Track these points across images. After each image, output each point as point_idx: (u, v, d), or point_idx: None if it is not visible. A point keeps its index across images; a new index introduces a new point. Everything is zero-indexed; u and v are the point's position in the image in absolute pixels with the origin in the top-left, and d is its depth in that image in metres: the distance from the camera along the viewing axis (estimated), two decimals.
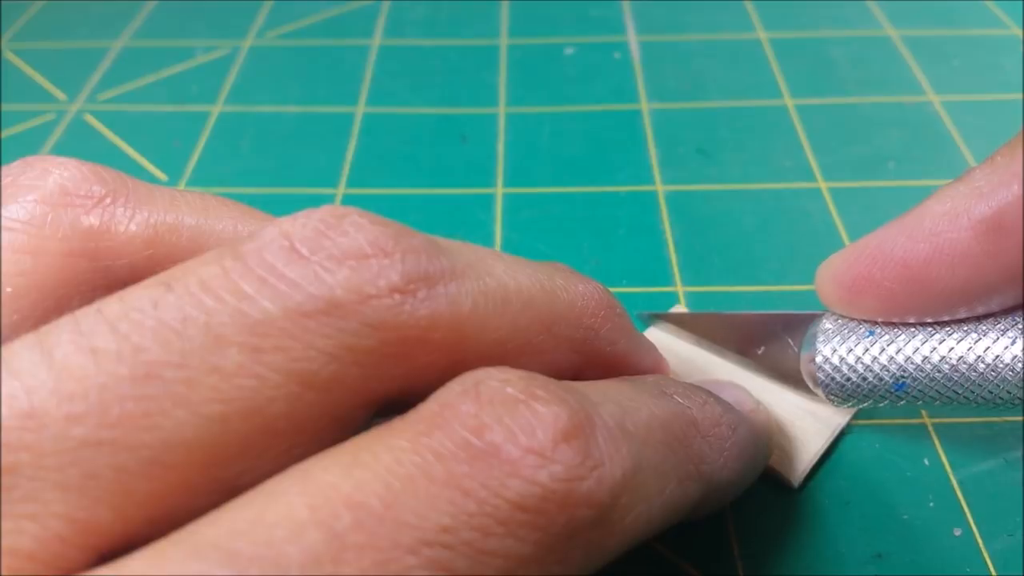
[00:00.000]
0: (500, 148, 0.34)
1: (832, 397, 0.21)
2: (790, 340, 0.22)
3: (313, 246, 0.14)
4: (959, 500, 0.21)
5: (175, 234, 0.18)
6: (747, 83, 0.37)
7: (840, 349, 0.20)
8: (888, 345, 0.20)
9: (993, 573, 0.20)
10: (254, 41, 0.41)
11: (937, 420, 0.23)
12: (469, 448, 0.13)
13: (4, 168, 0.17)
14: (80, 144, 0.35)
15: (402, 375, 0.15)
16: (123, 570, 0.11)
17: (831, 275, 0.20)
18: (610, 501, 0.14)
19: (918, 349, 0.19)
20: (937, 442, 0.23)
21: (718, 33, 0.41)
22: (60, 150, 0.34)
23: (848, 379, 0.20)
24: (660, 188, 0.32)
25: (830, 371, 0.20)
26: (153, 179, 0.32)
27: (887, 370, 0.20)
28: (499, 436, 0.13)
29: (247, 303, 0.13)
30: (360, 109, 0.36)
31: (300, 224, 0.14)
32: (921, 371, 0.19)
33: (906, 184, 0.31)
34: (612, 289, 0.22)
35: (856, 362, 0.20)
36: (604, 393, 0.16)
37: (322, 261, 0.14)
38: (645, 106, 0.36)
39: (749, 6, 0.42)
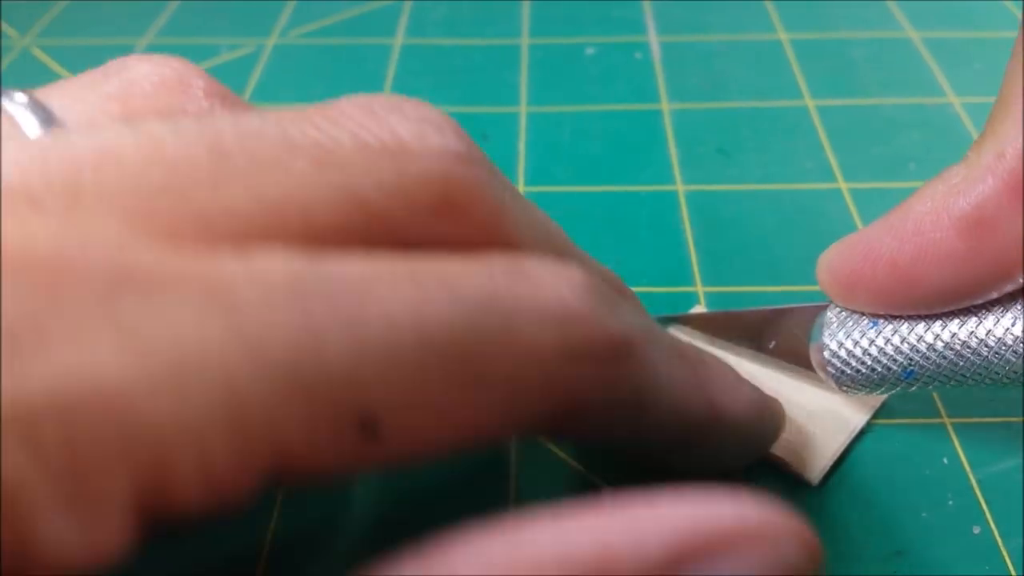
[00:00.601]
0: (521, 147, 0.34)
1: (844, 386, 0.21)
2: (798, 332, 0.22)
3: (389, 110, 0.15)
4: (978, 499, 0.22)
5: None
6: (768, 83, 0.37)
7: (846, 341, 0.21)
8: (892, 335, 0.20)
9: (1012, 571, 0.20)
10: (278, 39, 0.41)
11: (956, 420, 0.23)
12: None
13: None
14: None
15: (435, 238, 0.16)
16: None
17: (827, 269, 0.21)
18: (623, 342, 0.15)
19: (921, 337, 0.20)
20: (956, 441, 0.23)
21: (739, 34, 0.41)
22: None
23: (857, 370, 0.21)
24: (681, 188, 0.32)
25: (838, 363, 0.21)
26: None
27: (894, 360, 0.20)
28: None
29: (320, 132, 0.15)
30: None
31: (378, 96, 0.16)
32: (927, 358, 0.20)
33: None
34: (633, 289, 0.22)
35: (863, 353, 0.20)
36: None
37: (396, 117, 0.15)
38: (666, 106, 0.36)
39: (770, 7, 0.42)
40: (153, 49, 0.41)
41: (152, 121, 0.14)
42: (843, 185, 0.32)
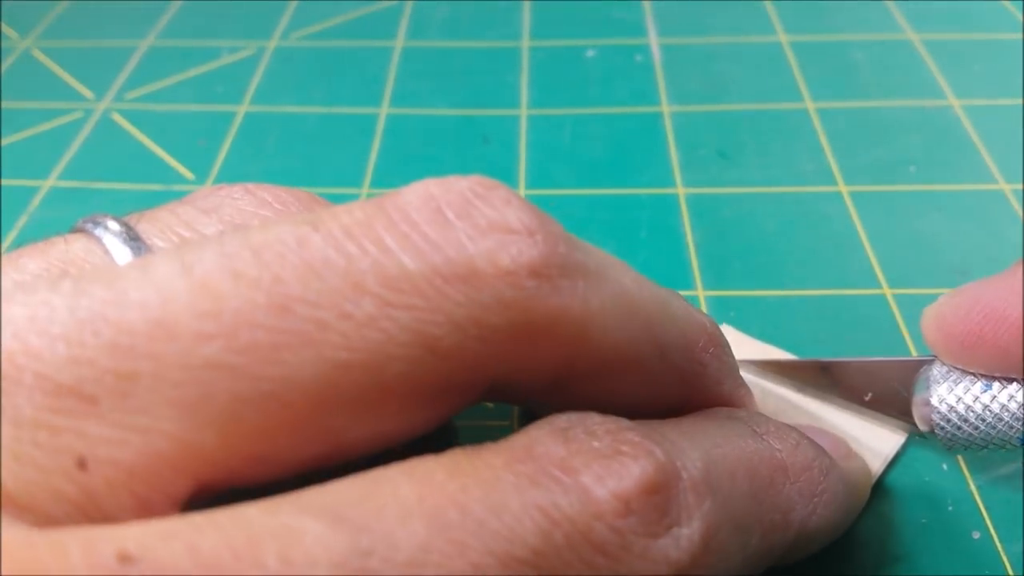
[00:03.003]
0: (522, 150, 0.34)
1: (948, 443, 0.20)
2: (899, 386, 0.21)
3: (460, 212, 0.14)
4: (977, 504, 0.22)
5: None
6: (768, 86, 0.37)
7: (957, 404, 0.20)
8: (1008, 400, 0.19)
9: (1012, 575, 0.20)
10: (279, 42, 0.41)
11: None
12: (560, 483, 0.13)
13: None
14: (107, 143, 0.35)
15: (518, 361, 0.15)
16: (239, 513, 0.11)
17: (938, 327, 0.20)
18: (689, 561, 0.14)
19: None
20: None
21: (739, 36, 0.41)
22: (88, 148, 0.35)
23: (970, 434, 0.20)
24: (681, 191, 0.32)
25: (950, 427, 0.20)
26: (180, 178, 0.33)
27: (1011, 426, 0.19)
28: (588, 479, 0.13)
29: (387, 255, 0.13)
30: (384, 110, 0.36)
31: (447, 188, 0.14)
32: None
33: (927, 188, 0.31)
34: None
35: (977, 418, 0.20)
36: (691, 438, 0.16)
37: (467, 228, 0.14)
38: (666, 108, 0.36)
39: (770, 9, 0.42)
40: (155, 52, 0.41)
41: (208, 256, 0.13)
42: (843, 188, 0.32)
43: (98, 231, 0.16)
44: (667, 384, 0.18)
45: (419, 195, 0.14)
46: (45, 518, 0.11)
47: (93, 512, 0.11)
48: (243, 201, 0.18)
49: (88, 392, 0.12)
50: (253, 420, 0.12)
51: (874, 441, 0.22)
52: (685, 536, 0.14)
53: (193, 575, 0.10)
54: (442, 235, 0.14)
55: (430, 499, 0.12)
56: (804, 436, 0.19)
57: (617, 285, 0.16)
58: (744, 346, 0.25)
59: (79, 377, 0.12)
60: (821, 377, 0.23)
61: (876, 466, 0.22)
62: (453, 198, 0.14)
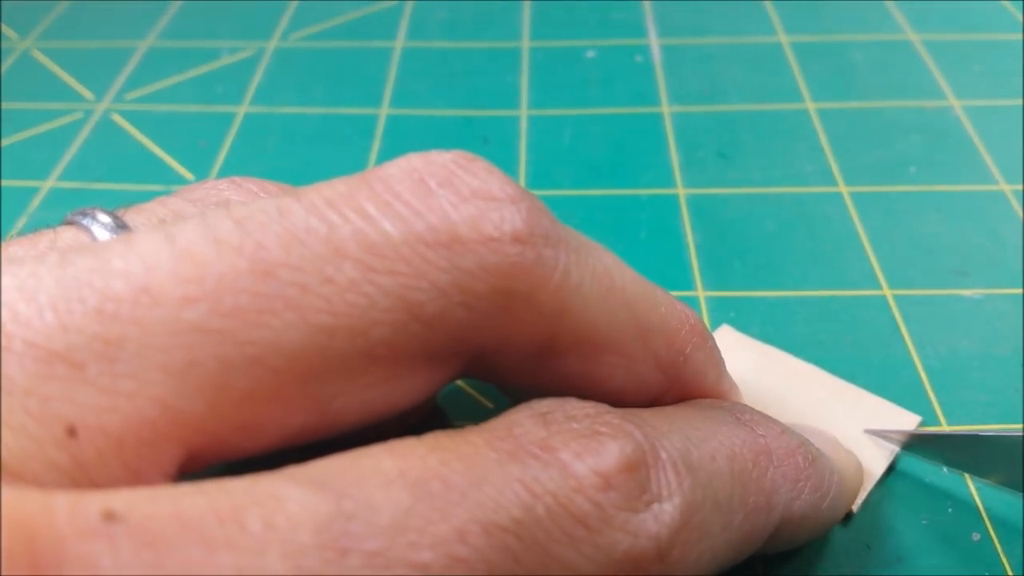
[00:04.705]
0: (522, 150, 0.34)
1: None
2: None
3: (442, 181, 0.14)
4: (977, 506, 0.22)
5: None
6: (768, 86, 0.37)
7: None
8: None
9: None
10: (279, 43, 0.41)
11: (954, 428, 0.23)
12: (540, 459, 0.13)
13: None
14: (107, 143, 0.35)
15: (500, 333, 0.15)
16: (224, 482, 0.12)
17: None
18: (669, 536, 0.14)
19: None
20: None
21: (739, 36, 0.41)
22: (87, 149, 0.35)
23: None
24: (681, 192, 0.32)
25: None
26: (180, 178, 0.33)
27: None
28: (567, 455, 0.14)
29: (368, 223, 0.13)
30: (384, 110, 0.36)
31: (430, 160, 0.15)
32: None
33: (927, 189, 0.31)
34: None
35: None
36: (671, 422, 0.16)
37: (449, 196, 0.14)
38: (666, 109, 0.36)
39: (770, 9, 0.42)
40: (155, 52, 0.41)
41: (190, 227, 0.13)
42: (843, 188, 0.32)
43: (86, 221, 0.16)
44: (648, 372, 0.18)
45: (401, 167, 0.14)
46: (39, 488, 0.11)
47: (85, 482, 0.12)
48: (229, 191, 0.18)
49: (76, 358, 0.12)
50: (241, 386, 0.12)
51: (875, 441, 0.22)
52: (666, 512, 0.14)
53: (177, 536, 0.10)
54: (424, 203, 0.14)
55: (412, 471, 0.12)
56: (789, 427, 0.19)
57: (598, 263, 0.16)
58: (744, 346, 0.25)
59: (67, 344, 0.12)
60: (974, 450, 0.21)
61: (877, 467, 0.22)
62: (436, 169, 0.14)
